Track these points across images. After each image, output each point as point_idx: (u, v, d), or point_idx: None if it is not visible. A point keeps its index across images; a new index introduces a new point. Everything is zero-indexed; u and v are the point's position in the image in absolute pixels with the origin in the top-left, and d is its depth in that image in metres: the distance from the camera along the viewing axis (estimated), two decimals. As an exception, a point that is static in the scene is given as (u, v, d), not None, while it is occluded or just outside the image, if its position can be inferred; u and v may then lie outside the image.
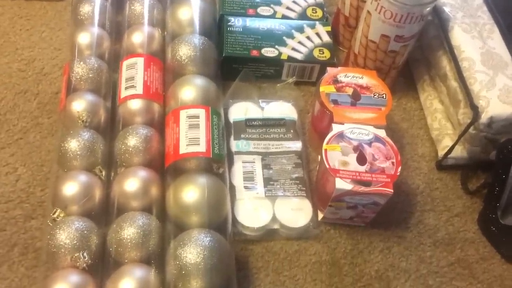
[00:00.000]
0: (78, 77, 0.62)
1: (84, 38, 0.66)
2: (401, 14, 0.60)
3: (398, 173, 0.54)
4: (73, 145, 0.56)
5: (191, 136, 0.57)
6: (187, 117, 0.59)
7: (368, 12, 0.64)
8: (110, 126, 0.62)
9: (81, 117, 0.59)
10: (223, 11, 0.74)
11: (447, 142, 0.65)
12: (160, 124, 0.62)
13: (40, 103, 0.66)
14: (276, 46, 0.70)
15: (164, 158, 0.59)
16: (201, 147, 0.57)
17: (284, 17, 0.74)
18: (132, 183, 0.55)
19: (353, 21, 0.74)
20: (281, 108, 0.67)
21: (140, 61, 0.64)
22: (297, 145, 0.64)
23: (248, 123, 0.65)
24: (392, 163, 0.55)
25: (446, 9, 0.66)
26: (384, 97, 0.61)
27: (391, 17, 0.61)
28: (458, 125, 0.63)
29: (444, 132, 0.66)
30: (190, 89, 0.61)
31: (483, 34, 0.64)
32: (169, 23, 0.69)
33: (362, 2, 0.70)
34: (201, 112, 0.59)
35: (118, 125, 0.61)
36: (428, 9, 0.61)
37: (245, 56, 0.69)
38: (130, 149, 0.57)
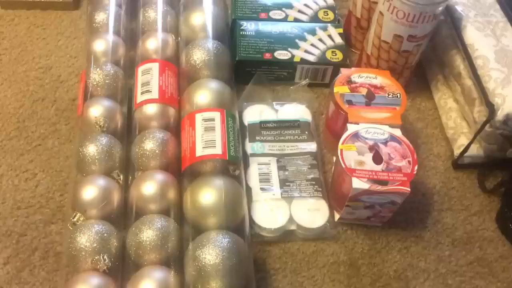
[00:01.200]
0: (94, 83, 0.63)
1: (99, 46, 0.67)
2: (414, 13, 0.60)
3: (415, 172, 0.54)
4: (91, 150, 0.57)
5: (207, 138, 0.58)
6: (202, 120, 0.59)
7: (380, 12, 0.64)
8: (127, 130, 0.63)
9: (98, 123, 0.60)
10: (235, 16, 0.74)
11: (463, 141, 0.65)
12: (176, 128, 0.62)
13: (57, 110, 0.67)
14: (289, 49, 0.71)
15: (181, 161, 0.59)
16: (217, 150, 0.57)
17: (296, 20, 0.75)
18: (150, 186, 0.56)
19: (365, 23, 0.74)
20: (295, 110, 0.68)
21: (155, 67, 0.65)
22: (312, 147, 0.64)
23: (263, 126, 0.65)
24: (409, 161, 0.55)
25: (459, 8, 0.66)
26: (399, 96, 0.61)
27: (403, 17, 0.61)
28: (473, 124, 0.63)
29: (460, 131, 0.66)
30: (205, 93, 0.62)
31: (496, 32, 0.64)
32: (182, 28, 0.70)
33: (373, 3, 0.70)
34: (216, 115, 0.60)
35: (135, 130, 0.62)
36: (440, 8, 0.61)
37: (258, 59, 0.70)
38: (147, 153, 0.58)
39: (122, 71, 0.67)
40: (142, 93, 0.63)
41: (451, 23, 0.67)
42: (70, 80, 0.70)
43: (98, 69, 0.64)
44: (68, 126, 0.66)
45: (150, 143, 0.58)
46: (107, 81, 0.63)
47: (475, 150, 0.64)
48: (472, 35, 0.64)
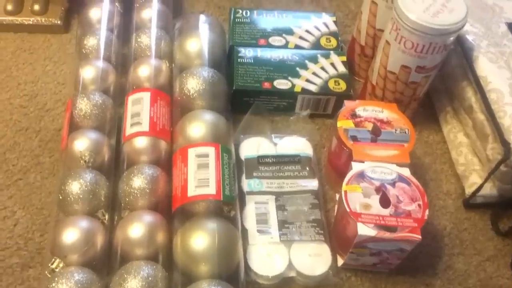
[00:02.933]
0: (81, 113, 0.59)
1: (88, 73, 0.63)
2: (423, 44, 0.56)
3: (426, 217, 0.50)
4: (75, 188, 0.53)
5: (200, 177, 0.53)
6: (195, 156, 0.55)
7: (387, 42, 0.60)
8: (115, 164, 0.59)
9: (83, 157, 0.55)
10: (233, 42, 0.71)
11: (475, 179, 0.61)
12: (167, 162, 0.58)
13: (41, 141, 0.63)
14: (289, 78, 0.67)
15: (172, 201, 0.55)
16: (211, 189, 0.53)
17: (297, 47, 0.71)
18: (137, 229, 0.51)
19: (370, 51, 0.70)
20: (296, 144, 0.63)
21: (146, 96, 0.61)
22: (313, 184, 0.60)
23: (261, 160, 0.61)
24: (419, 205, 0.51)
25: (470, 38, 0.63)
26: (407, 132, 0.57)
27: (412, 47, 0.57)
28: (486, 161, 0.59)
29: (471, 168, 0.62)
30: (199, 125, 0.58)
31: (510, 64, 0.60)
32: (176, 54, 0.66)
33: (379, 31, 0.66)
34: (211, 151, 0.55)
35: (123, 164, 0.58)
36: (451, 38, 0.57)
37: (256, 88, 0.66)
38: (135, 191, 0.54)
39: (112, 99, 0.63)
40: (131, 125, 0.59)
41: (462, 52, 0.63)
42: (57, 108, 0.66)
43: (85, 99, 0.60)
44: (52, 159, 0.61)
45: (138, 180, 0.54)
46: (94, 112, 0.59)
47: (488, 189, 0.60)
48: (484, 66, 0.60)
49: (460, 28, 0.56)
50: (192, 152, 0.55)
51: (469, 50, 0.62)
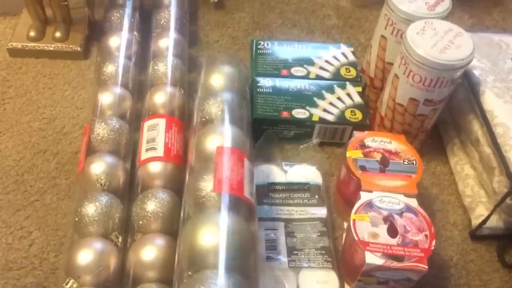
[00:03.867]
0: (98, 138, 0.61)
1: (106, 98, 0.65)
2: (431, 78, 0.58)
3: (433, 247, 0.51)
4: (90, 210, 0.54)
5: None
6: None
7: (396, 75, 0.62)
8: (129, 188, 0.60)
9: (99, 180, 0.57)
10: (256, 73, 0.73)
11: (481, 211, 0.62)
12: (180, 187, 0.60)
13: (58, 163, 0.65)
14: (307, 107, 0.69)
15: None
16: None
17: (318, 77, 0.73)
18: (149, 251, 0.52)
19: (379, 83, 0.72)
20: (305, 172, 0.65)
21: (161, 122, 0.63)
22: (322, 212, 0.61)
23: (271, 188, 0.62)
24: (426, 235, 0.52)
25: (476, 73, 0.64)
26: (414, 163, 0.58)
27: (420, 81, 0.59)
28: (493, 194, 0.60)
29: (478, 200, 0.63)
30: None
31: (516, 99, 0.61)
32: (201, 87, 0.66)
33: (388, 64, 0.68)
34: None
35: (137, 188, 0.59)
36: (459, 73, 0.59)
37: (276, 117, 0.68)
38: (149, 215, 0.55)
39: (128, 124, 0.65)
40: (147, 150, 0.61)
41: (469, 87, 0.65)
42: (74, 132, 0.68)
43: (102, 123, 0.62)
44: (68, 181, 0.63)
45: (152, 204, 0.56)
46: (111, 136, 0.61)
47: (495, 221, 0.61)
48: (491, 101, 0.61)
49: (466, 64, 0.58)
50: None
51: (476, 85, 0.64)
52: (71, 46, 0.76)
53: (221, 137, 0.55)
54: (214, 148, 0.54)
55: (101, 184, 0.57)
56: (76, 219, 0.54)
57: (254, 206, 0.52)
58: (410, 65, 0.59)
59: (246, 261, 0.47)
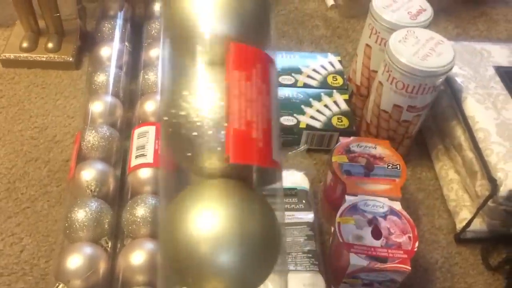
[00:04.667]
0: (89, 145, 0.62)
1: (97, 107, 0.66)
2: (413, 85, 0.60)
3: (416, 249, 0.52)
4: (80, 215, 0.55)
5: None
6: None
7: (380, 82, 0.64)
8: (119, 194, 0.61)
9: (89, 187, 0.58)
10: None
11: (465, 215, 0.63)
12: (169, 193, 0.61)
13: (50, 171, 0.66)
14: (295, 115, 0.70)
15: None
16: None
17: (305, 85, 0.75)
18: (138, 256, 0.53)
19: (365, 90, 0.74)
20: (293, 178, 0.66)
21: (151, 130, 0.64)
22: (309, 216, 0.62)
23: (259, 193, 0.63)
24: (409, 237, 0.53)
25: (458, 80, 0.66)
26: (398, 168, 0.59)
27: (403, 88, 0.61)
28: (476, 197, 0.61)
29: (462, 204, 0.64)
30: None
31: (497, 105, 0.63)
32: None
33: (373, 72, 0.70)
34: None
35: (127, 194, 0.60)
36: (440, 80, 0.60)
37: None
38: (138, 220, 0.56)
39: (118, 132, 0.66)
40: (136, 156, 0.62)
41: (451, 93, 0.67)
42: (66, 140, 0.69)
43: (93, 131, 0.63)
44: (59, 188, 0.64)
45: (141, 210, 0.57)
46: (101, 143, 0.62)
47: (478, 224, 0.62)
48: (472, 107, 0.63)
49: (447, 70, 0.59)
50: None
51: (458, 92, 0.65)
52: (63, 56, 0.78)
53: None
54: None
55: (91, 191, 0.58)
56: (66, 224, 0.55)
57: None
58: (393, 72, 0.61)
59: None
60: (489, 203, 0.58)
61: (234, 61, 0.32)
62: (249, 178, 0.33)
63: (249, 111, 0.31)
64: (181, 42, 0.34)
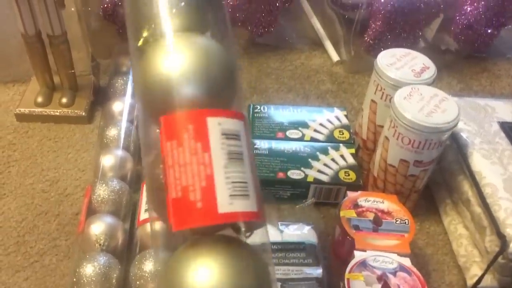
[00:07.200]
0: (99, 199, 0.63)
1: (108, 161, 0.68)
2: (419, 140, 0.61)
3: (426, 307, 0.51)
4: (88, 270, 0.55)
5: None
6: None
7: (386, 137, 0.65)
8: (128, 248, 0.61)
9: (98, 241, 0.58)
10: (253, 136, 0.76)
11: (476, 271, 0.62)
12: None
13: (59, 224, 0.66)
14: (302, 168, 0.71)
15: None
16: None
17: (312, 139, 0.76)
18: (146, 313, 0.53)
19: (371, 144, 0.75)
20: (301, 231, 0.66)
21: (161, 184, 0.65)
22: (317, 272, 0.61)
23: (267, 248, 0.63)
24: (419, 295, 0.52)
25: (464, 135, 0.67)
26: (407, 223, 0.59)
27: (409, 143, 0.62)
28: (485, 253, 0.61)
29: (472, 260, 0.63)
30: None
31: (503, 160, 0.64)
32: None
33: (379, 126, 0.71)
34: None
35: (135, 248, 0.60)
36: (446, 135, 0.61)
37: (271, 178, 0.70)
38: (146, 275, 0.56)
39: (128, 186, 0.67)
40: (145, 210, 0.62)
41: (457, 148, 0.68)
42: (76, 193, 0.70)
43: (103, 185, 0.64)
44: (68, 242, 0.64)
45: (150, 264, 0.56)
46: (111, 197, 0.63)
47: (489, 281, 0.61)
48: (478, 162, 0.64)
49: (452, 126, 0.60)
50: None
51: (463, 147, 0.66)
52: (76, 111, 0.80)
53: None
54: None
55: (100, 245, 0.58)
56: (74, 279, 0.55)
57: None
58: (399, 128, 0.62)
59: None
60: (499, 259, 0.57)
61: (165, 133, 0.34)
62: (236, 227, 0.36)
63: (184, 176, 0.32)
64: (149, 107, 0.36)
